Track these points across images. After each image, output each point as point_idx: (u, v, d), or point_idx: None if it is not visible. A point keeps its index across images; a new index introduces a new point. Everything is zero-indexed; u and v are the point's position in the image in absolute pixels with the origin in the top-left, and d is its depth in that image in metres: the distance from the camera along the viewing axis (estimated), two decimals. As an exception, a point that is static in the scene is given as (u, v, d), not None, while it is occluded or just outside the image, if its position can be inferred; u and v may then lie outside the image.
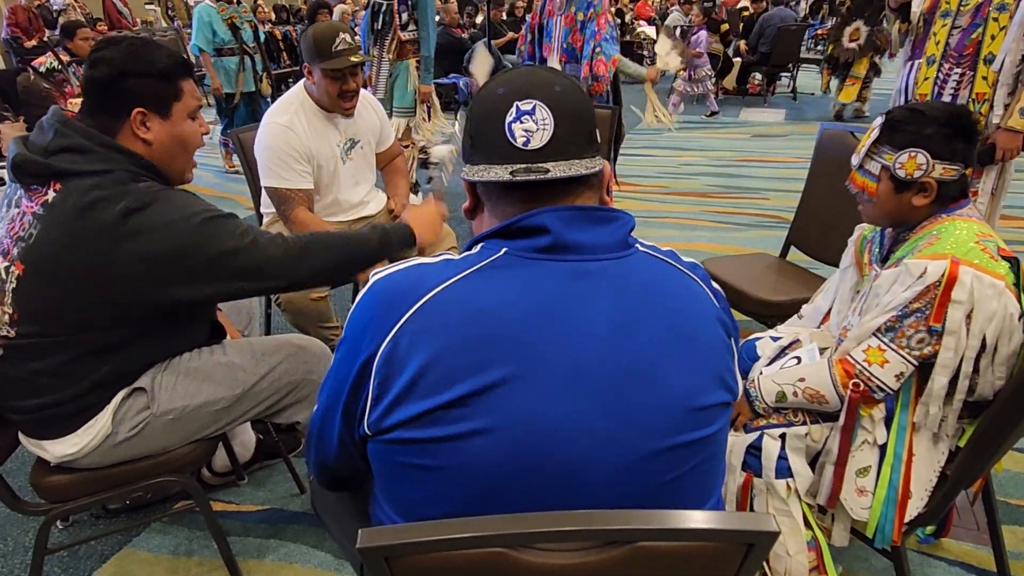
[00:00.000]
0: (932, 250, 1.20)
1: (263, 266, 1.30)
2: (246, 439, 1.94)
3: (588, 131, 0.80)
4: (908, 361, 1.20)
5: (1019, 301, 1.16)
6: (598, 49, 3.33)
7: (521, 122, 0.76)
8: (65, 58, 4.50)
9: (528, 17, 3.95)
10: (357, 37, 2.09)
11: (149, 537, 1.77)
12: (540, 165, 0.76)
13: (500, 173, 0.77)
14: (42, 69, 4.44)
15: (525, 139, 0.76)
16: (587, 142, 0.79)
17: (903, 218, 1.33)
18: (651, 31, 9.72)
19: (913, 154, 1.25)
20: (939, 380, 1.19)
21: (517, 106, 0.76)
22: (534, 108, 0.76)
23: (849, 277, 1.49)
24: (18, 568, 1.68)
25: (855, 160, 1.35)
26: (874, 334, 1.23)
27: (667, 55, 3.67)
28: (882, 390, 1.22)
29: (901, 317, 1.19)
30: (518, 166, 0.76)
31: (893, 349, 1.20)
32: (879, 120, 1.31)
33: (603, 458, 0.71)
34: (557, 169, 0.76)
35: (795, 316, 1.70)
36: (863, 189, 1.34)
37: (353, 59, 2.00)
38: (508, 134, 0.76)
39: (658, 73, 3.70)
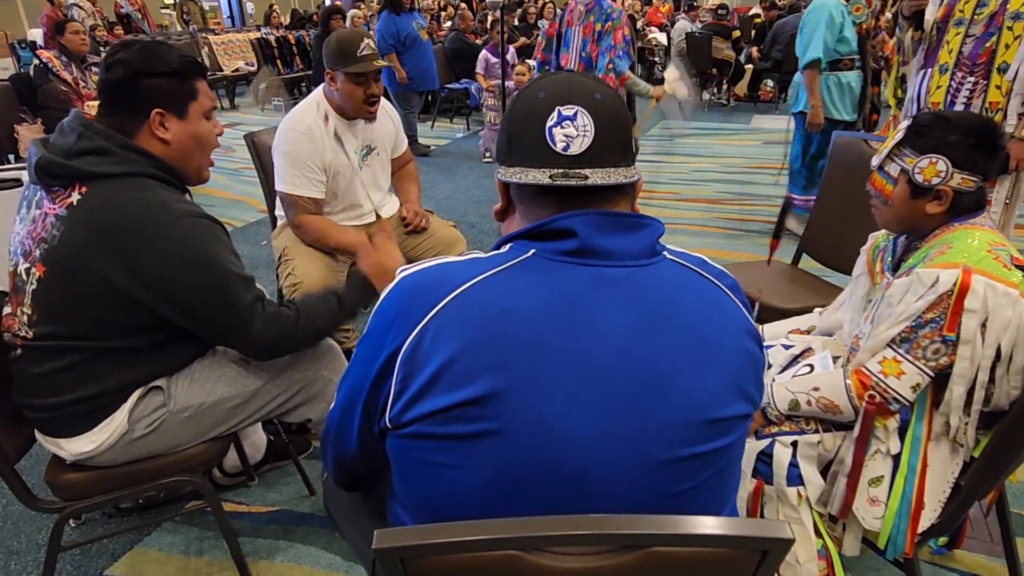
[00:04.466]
0: (944, 259, 1.19)
1: (250, 336, 1.34)
2: (257, 440, 1.95)
3: (625, 141, 0.80)
4: (924, 372, 1.19)
5: None
6: (611, 65, 3.36)
7: (562, 127, 0.76)
8: (45, 55, 4.46)
9: (542, 23, 4.01)
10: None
11: (160, 536, 1.78)
12: (578, 171, 0.76)
13: (538, 176, 0.77)
14: (35, 63, 4.43)
15: (565, 144, 0.76)
16: (624, 151, 0.79)
17: (915, 224, 1.32)
18: (662, 37, 9.75)
19: (934, 160, 1.24)
20: (957, 390, 1.18)
21: (559, 111, 0.76)
22: (576, 114, 0.76)
23: (861, 286, 1.48)
24: (31, 565, 1.70)
25: (875, 161, 1.34)
26: (889, 345, 1.22)
27: (675, 82, 3.73)
28: (898, 402, 1.22)
29: (916, 328, 1.19)
30: (556, 171, 0.76)
31: (909, 360, 1.20)
32: (905, 123, 1.30)
33: (615, 466, 0.71)
34: (596, 176, 0.76)
35: (815, 312, 1.69)
36: (880, 191, 1.33)
37: (377, 63, 2.05)
38: (548, 138, 0.76)
39: (664, 94, 3.76)
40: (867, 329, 1.34)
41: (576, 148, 0.76)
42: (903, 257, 1.37)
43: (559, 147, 0.76)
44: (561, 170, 0.76)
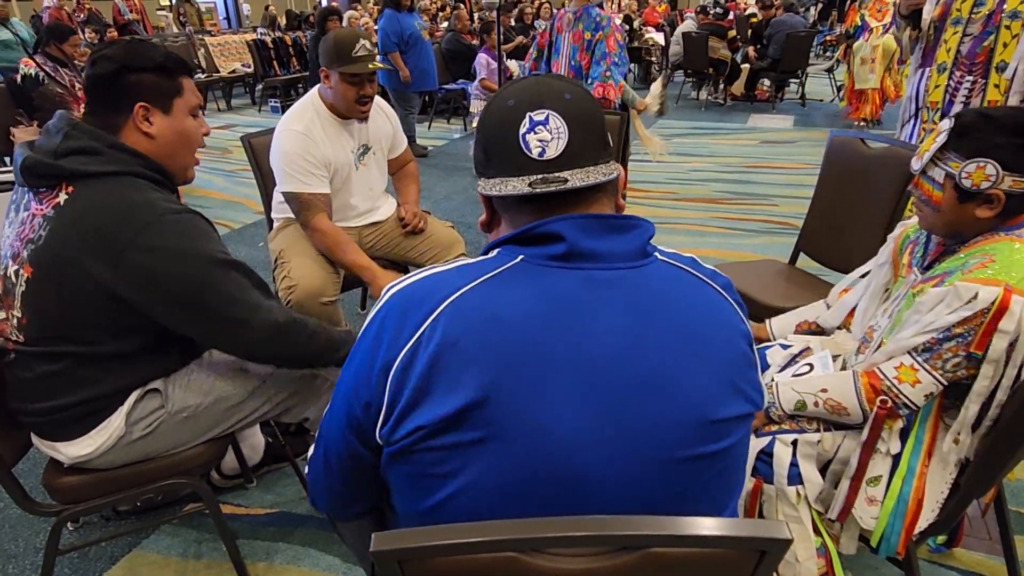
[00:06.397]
0: (985, 273, 1.15)
1: (247, 326, 1.30)
2: (255, 442, 1.95)
3: (601, 136, 0.79)
4: (939, 382, 1.17)
5: None
6: (608, 73, 3.37)
7: (535, 132, 0.76)
8: (39, 60, 4.44)
9: (537, 23, 4.04)
10: (374, 42, 2.10)
11: (159, 539, 1.77)
12: (557, 175, 0.76)
13: (518, 185, 0.76)
14: (23, 72, 4.42)
15: (540, 149, 0.76)
16: (601, 147, 0.79)
17: (962, 229, 1.25)
18: (659, 37, 9.75)
19: (982, 164, 1.16)
20: (972, 408, 1.16)
21: (530, 117, 0.76)
22: (547, 118, 0.76)
23: (883, 275, 1.44)
24: (29, 569, 1.69)
25: (916, 164, 1.27)
26: (909, 352, 1.19)
27: (652, 100, 3.89)
28: (907, 407, 1.20)
29: (941, 340, 1.15)
30: (535, 177, 0.76)
31: (926, 370, 1.17)
32: (946, 123, 1.23)
33: (611, 470, 0.71)
34: (575, 178, 0.76)
35: (821, 302, 1.67)
36: (929, 197, 1.26)
37: (372, 65, 2.03)
38: (523, 146, 0.76)
39: (646, 107, 3.84)
40: (884, 322, 1.31)
41: (552, 152, 0.76)
42: (938, 258, 1.30)
43: (535, 153, 0.76)
44: (540, 176, 0.76)
